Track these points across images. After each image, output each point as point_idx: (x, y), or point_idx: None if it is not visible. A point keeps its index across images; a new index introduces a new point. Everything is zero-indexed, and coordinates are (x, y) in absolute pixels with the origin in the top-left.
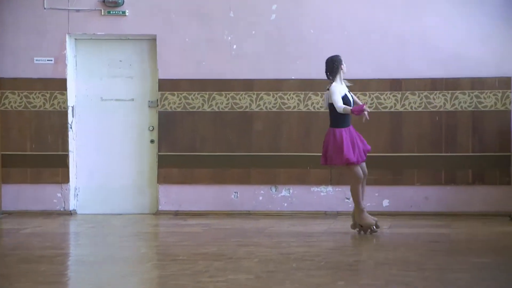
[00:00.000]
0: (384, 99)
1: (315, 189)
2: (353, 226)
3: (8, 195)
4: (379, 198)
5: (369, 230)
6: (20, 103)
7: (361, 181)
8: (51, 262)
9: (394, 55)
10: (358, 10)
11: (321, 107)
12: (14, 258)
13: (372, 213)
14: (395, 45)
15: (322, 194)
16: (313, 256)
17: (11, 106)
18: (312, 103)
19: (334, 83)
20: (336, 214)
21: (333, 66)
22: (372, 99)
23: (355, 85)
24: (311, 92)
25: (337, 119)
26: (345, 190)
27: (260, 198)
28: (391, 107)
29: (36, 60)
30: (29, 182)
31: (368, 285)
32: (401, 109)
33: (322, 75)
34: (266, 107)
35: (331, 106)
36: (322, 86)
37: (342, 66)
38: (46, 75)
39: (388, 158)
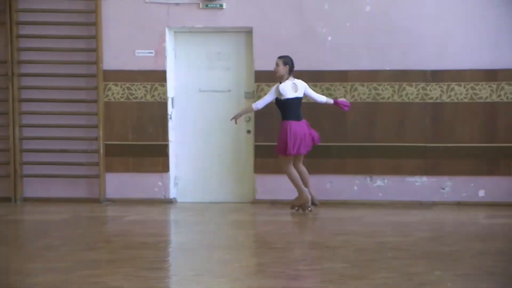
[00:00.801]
0: (480, 90)
1: (410, 179)
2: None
3: (111, 183)
4: (474, 188)
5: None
6: (122, 94)
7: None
8: (153, 248)
9: (490, 45)
10: (454, 0)
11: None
12: (118, 244)
13: (468, 203)
14: (491, 35)
15: (417, 184)
16: (409, 246)
17: (114, 98)
18: (407, 93)
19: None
20: (432, 204)
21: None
22: (467, 90)
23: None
24: (405, 83)
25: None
26: (440, 181)
27: (355, 187)
28: (486, 97)
29: (137, 52)
30: (131, 171)
31: (465, 275)
32: (497, 100)
33: (416, 66)
34: (360, 98)
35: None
36: (417, 77)
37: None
38: (147, 67)
39: (483, 148)
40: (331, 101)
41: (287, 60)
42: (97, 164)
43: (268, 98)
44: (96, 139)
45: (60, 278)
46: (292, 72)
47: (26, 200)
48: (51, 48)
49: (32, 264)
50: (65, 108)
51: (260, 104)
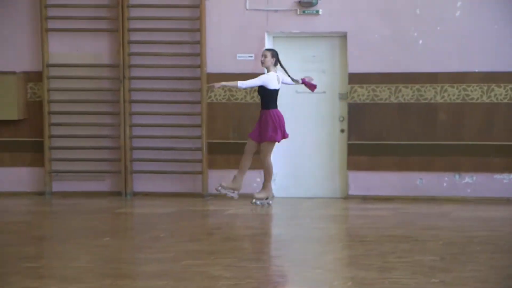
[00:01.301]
0: None
1: (498, 176)
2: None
3: (213, 179)
4: None
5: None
6: (224, 96)
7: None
8: (252, 240)
9: None
10: None
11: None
12: (219, 236)
13: None
14: None
15: (504, 181)
16: (496, 240)
17: (216, 99)
18: (495, 94)
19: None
20: None
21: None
22: None
23: None
24: (494, 84)
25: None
26: None
27: (444, 184)
28: None
29: (238, 56)
30: (231, 167)
31: None
32: None
33: (505, 68)
34: (450, 99)
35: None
36: (506, 78)
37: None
38: (247, 70)
39: None
40: (299, 80)
41: (274, 53)
42: (200, 161)
43: (256, 82)
44: (200, 137)
45: (166, 268)
46: (277, 65)
47: (135, 194)
48: (158, 53)
49: (140, 254)
50: (171, 108)
51: (245, 84)
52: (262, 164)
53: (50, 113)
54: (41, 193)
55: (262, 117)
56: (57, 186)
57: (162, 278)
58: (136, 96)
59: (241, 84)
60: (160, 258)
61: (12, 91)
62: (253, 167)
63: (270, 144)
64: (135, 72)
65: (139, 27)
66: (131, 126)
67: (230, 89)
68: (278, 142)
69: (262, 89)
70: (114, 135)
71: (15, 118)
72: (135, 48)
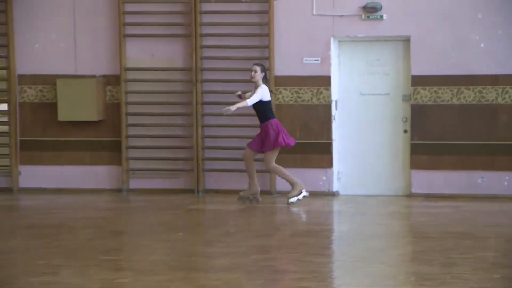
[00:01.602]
0: None
1: None
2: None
3: (280, 178)
4: None
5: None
6: (291, 97)
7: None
8: (317, 236)
9: None
10: None
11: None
12: (286, 232)
13: None
14: None
15: None
16: None
17: (284, 100)
18: None
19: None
20: None
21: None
22: None
23: None
24: None
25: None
26: None
27: (505, 183)
28: None
29: (305, 60)
30: (298, 166)
31: None
32: None
33: None
34: (511, 100)
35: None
36: None
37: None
38: (313, 73)
39: None
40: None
41: (263, 68)
42: None
43: (258, 97)
44: None
45: (236, 261)
46: (266, 79)
47: (207, 191)
48: (229, 57)
49: (212, 248)
50: (241, 110)
51: (252, 101)
52: (268, 170)
53: (127, 114)
54: (119, 190)
55: (263, 129)
56: (133, 184)
57: (232, 271)
58: (207, 98)
59: (250, 102)
60: (230, 252)
61: (92, 94)
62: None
63: (274, 152)
64: (207, 75)
65: (211, 32)
66: (203, 126)
67: (297, 91)
68: (282, 146)
69: (259, 103)
70: (187, 135)
71: (95, 119)
72: (207, 53)
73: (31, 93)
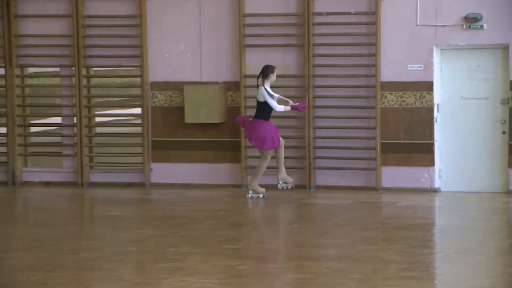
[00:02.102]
0: None
1: None
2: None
3: (386, 175)
4: None
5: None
6: (395, 101)
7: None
8: (420, 229)
9: None
10: None
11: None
12: (391, 225)
13: None
14: None
15: None
16: None
17: (389, 104)
18: None
19: (264, 86)
20: None
21: (267, 72)
22: None
23: None
24: None
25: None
26: None
27: None
28: None
29: (409, 67)
30: (402, 164)
31: None
32: None
33: None
34: None
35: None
36: None
37: (272, 74)
38: (416, 79)
39: None
40: None
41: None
42: (374, 159)
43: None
44: (374, 138)
45: (344, 252)
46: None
47: (317, 187)
48: (339, 64)
49: (322, 239)
50: (349, 113)
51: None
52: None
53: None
54: (238, 186)
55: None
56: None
57: (341, 260)
58: (319, 102)
59: (279, 109)
60: (339, 243)
61: (215, 99)
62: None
63: (268, 150)
64: (319, 82)
65: (322, 42)
66: (314, 128)
67: (401, 95)
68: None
69: (264, 103)
70: (300, 136)
71: (217, 121)
72: (318, 61)
73: (161, 98)
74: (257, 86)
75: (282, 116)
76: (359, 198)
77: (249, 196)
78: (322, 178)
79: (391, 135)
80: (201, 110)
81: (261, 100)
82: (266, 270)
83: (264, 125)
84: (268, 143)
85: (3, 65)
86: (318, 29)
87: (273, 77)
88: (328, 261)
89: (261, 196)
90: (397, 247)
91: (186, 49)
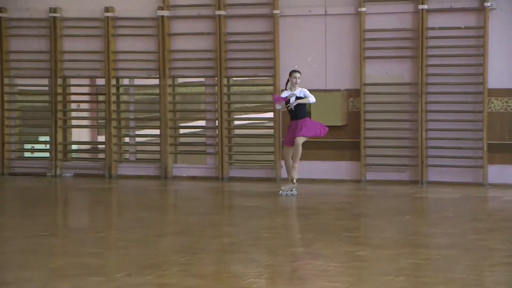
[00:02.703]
0: None
1: None
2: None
3: (492, 172)
4: None
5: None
6: (501, 106)
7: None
8: None
9: None
10: None
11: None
12: (497, 217)
13: None
14: None
15: None
16: None
17: (495, 109)
18: None
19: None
20: None
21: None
22: None
23: None
24: None
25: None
26: None
27: None
28: None
29: None
30: (507, 163)
31: None
32: None
33: None
34: None
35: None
36: None
37: (290, 77)
38: None
39: None
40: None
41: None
42: (481, 158)
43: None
44: (481, 139)
45: (454, 241)
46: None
47: (429, 183)
48: (449, 73)
49: (433, 229)
50: (458, 117)
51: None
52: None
53: (365, 120)
54: (357, 181)
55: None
56: (369, 176)
57: (451, 248)
58: (430, 107)
59: (312, 99)
60: (449, 233)
61: (338, 104)
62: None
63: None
64: (430, 89)
65: (435, 53)
66: (426, 130)
67: (507, 101)
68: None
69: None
70: (413, 137)
71: (340, 124)
72: (431, 70)
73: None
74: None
75: (398, 119)
76: (467, 193)
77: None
78: (434, 175)
79: (497, 137)
80: (326, 114)
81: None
82: (382, 256)
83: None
84: (316, 131)
85: (158, 76)
86: (431, 42)
87: (294, 79)
88: (439, 248)
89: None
90: (502, 237)
91: (313, 60)
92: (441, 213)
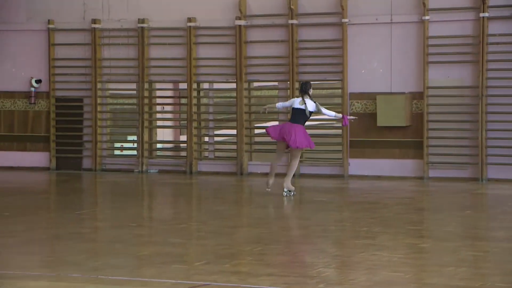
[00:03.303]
0: None
1: None
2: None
3: None
4: None
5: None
6: None
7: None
8: None
9: None
10: None
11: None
12: None
13: None
14: None
15: None
16: None
17: None
18: None
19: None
20: None
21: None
22: None
23: None
24: None
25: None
26: None
27: None
28: None
29: None
30: None
31: None
32: None
33: None
34: None
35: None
36: None
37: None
38: None
39: None
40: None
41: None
42: None
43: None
44: None
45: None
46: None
47: (488, 180)
48: (508, 77)
49: (493, 223)
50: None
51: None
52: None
53: (428, 121)
54: (420, 178)
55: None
56: (432, 173)
57: (509, 241)
58: (490, 108)
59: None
60: (508, 227)
61: (402, 106)
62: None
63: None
64: (490, 91)
65: (495, 58)
66: (487, 130)
67: None
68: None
69: (309, 113)
70: (474, 137)
71: (404, 124)
72: (491, 74)
73: (358, 106)
74: (302, 98)
75: (459, 120)
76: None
77: (285, 194)
78: (493, 172)
79: None
80: (391, 116)
81: (311, 110)
82: (444, 248)
83: (302, 128)
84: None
85: (235, 80)
86: (491, 48)
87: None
88: (498, 241)
89: (292, 194)
90: None
91: (378, 65)
92: (500, 208)
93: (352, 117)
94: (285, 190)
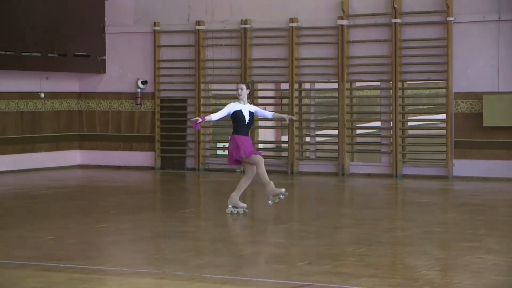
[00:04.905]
0: None
1: None
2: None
3: None
4: None
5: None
6: None
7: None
8: None
9: None
10: None
11: None
12: None
13: None
14: None
15: None
16: None
17: None
18: None
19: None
20: None
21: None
22: None
23: None
24: None
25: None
26: None
27: None
28: None
29: None
30: None
31: None
32: None
33: None
34: None
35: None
36: None
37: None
38: None
39: None
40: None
41: (249, 86)
42: None
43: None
44: None
45: None
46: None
47: None
48: None
49: None
50: None
51: (215, 116)
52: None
53: None
54: None
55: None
56: None
57: None
58: None
59: (210, 117)
60: None
61: (510, 106)
62: None
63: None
64: None
65: None
66: None
67: None
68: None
69: (252, 116)
70: None
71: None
72: None
73: (463, 106)
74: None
75: None
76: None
77: (229, 211)
78: None
79: None
80: (498, 116)
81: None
82: None
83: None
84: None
85: (337, 80)
86: None
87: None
88: None
89: (241, 211)
90: None
91: (485, 65)
92: None
93: (288, 115)
94: (230, 206)
